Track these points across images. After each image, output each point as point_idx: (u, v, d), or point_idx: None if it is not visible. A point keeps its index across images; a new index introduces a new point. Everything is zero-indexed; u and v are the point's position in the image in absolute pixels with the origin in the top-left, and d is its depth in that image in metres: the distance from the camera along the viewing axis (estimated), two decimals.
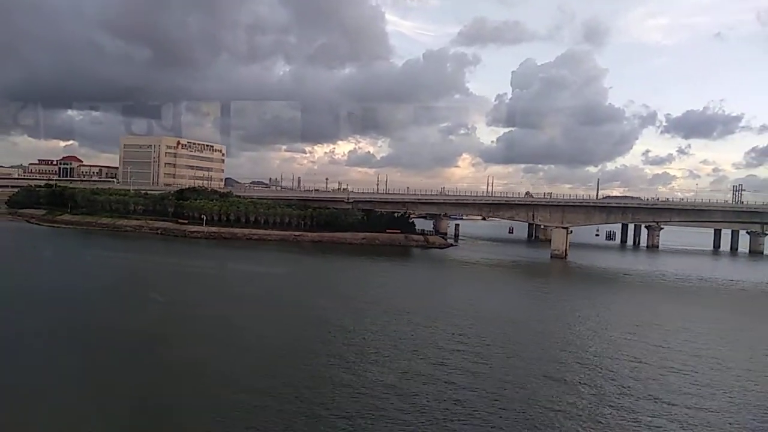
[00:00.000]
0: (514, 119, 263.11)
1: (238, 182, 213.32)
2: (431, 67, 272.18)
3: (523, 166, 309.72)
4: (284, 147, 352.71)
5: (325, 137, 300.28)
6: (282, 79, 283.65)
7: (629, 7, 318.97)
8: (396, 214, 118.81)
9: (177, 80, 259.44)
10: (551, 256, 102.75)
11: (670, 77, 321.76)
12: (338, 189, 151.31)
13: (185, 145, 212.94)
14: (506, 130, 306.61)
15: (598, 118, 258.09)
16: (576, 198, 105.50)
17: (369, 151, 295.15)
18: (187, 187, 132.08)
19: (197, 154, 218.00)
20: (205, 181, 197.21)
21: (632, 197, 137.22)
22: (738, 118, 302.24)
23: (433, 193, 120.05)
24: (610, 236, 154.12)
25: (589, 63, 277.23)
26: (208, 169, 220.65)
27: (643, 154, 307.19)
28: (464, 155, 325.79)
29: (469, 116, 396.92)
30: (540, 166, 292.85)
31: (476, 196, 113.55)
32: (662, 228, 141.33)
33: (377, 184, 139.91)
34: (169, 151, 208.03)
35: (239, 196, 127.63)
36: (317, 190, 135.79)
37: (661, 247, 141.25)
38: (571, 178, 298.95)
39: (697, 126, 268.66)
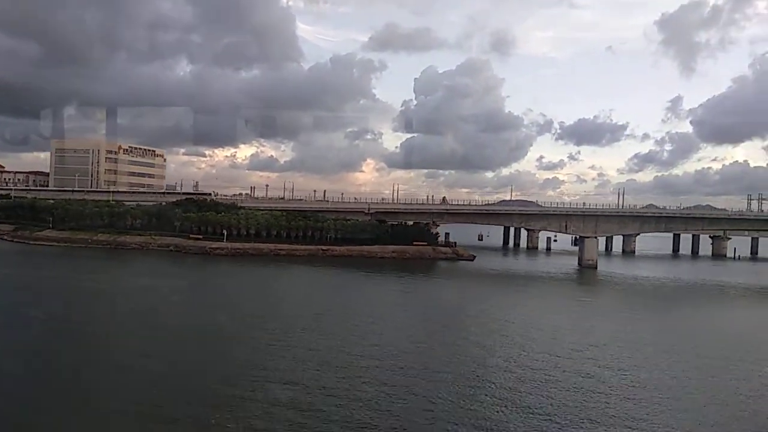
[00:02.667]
0: (417, 125, 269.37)
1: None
2: (338, 72, 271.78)
3: (425, 171, 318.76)
4: (183, 150, 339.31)
5: (226, 140, 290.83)
6: (183, 80, 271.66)
7: (525, 19, 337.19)
8: (411, 224, 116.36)
9: (68, 79, 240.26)
10: (582, 266, 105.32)
11: (566, 87, 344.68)
12: (322, 198, 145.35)
13: (126, 150, 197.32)
14: (410, 135, 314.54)
15: (497, 126, 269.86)
16: (609, 210, 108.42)
17: (272, 156, 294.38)
18: (185, 198, 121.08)
19: (139, 159, 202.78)
20: (147, 188, 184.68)
21: (526, 201, 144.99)
22: (624, 127, 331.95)
23: (460, 204, 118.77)
24: (480, 238, 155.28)
25: (487, 72, 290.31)
26: (150, 176, 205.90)
27: (538, 159, 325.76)
28: (369, 160, 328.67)
29: (375, 122, 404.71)
30: (441, 171, 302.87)
31: (507, 207, 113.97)
32: (540, 230, 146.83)
33: (322, 191, 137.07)
34: (109, 156, 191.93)
35: (243, 208, 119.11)
36: (333, 200, 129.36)
37: (637, 252, 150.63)
38: (469, 182, 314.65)
39: (587, 134, 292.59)
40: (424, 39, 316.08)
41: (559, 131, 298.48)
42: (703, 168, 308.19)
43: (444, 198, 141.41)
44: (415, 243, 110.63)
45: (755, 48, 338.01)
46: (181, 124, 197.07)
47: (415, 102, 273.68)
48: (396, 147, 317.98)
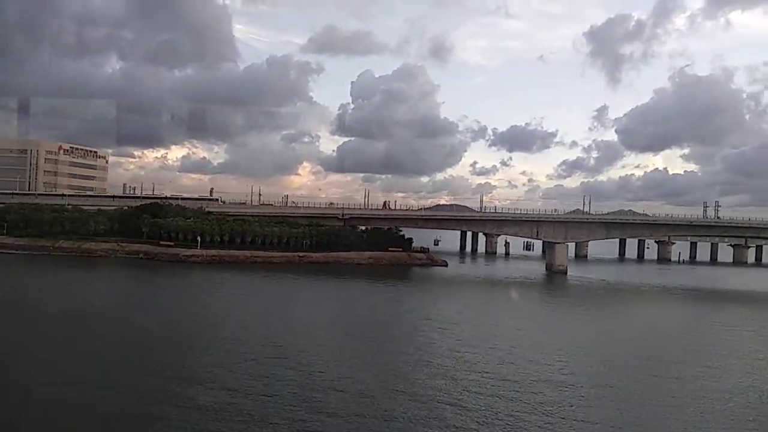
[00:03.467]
0: (354, 129, 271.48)
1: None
2: (274, 73, 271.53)
3: (361, 175, 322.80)
4: (110, 151, 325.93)
5: (157, 141, 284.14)
6: (113, 77, 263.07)
7: (461, 27, 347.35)
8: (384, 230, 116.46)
9: None
10: (552, 271, 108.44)
11: (500, 94, 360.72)
12: (284, 204, 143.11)
13: (67, 150, 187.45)
14: (347, 139, 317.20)
15: (433, 131, 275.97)
16: (580, 216, 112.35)
17: (204, 157, 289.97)
18: (149, 202, 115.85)
19: (80, 160, 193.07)
20: (89, 191, 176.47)
21: (460, 206, 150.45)
22: (553, 134, 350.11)
23: (429, 209, 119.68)
24: (435, 243, 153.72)
25: (423, 78, 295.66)
26: (92, 178, 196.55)
27: (471, 165, 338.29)
28: (305, 163, 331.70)
29: (312, 125, 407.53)
30: (377, 175, 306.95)
31: (482, 213, 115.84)
32: (499, 235, 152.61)
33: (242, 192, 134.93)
34: (49, 157, 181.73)
35: (211, 213, 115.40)
36: (306, 206, 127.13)
37: (589, 257, 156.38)
38: (405, 187, 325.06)
39: (519, 140, 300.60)
40: (364, 42, 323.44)
41: (492, 138, 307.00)
42: (627, 175, 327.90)
43: (385, 203, 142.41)
44: (390, 249, 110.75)
45: (674, 62, 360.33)
46: (108, 123, 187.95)
47: (352, 106, 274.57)
48: (333, 150, 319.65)
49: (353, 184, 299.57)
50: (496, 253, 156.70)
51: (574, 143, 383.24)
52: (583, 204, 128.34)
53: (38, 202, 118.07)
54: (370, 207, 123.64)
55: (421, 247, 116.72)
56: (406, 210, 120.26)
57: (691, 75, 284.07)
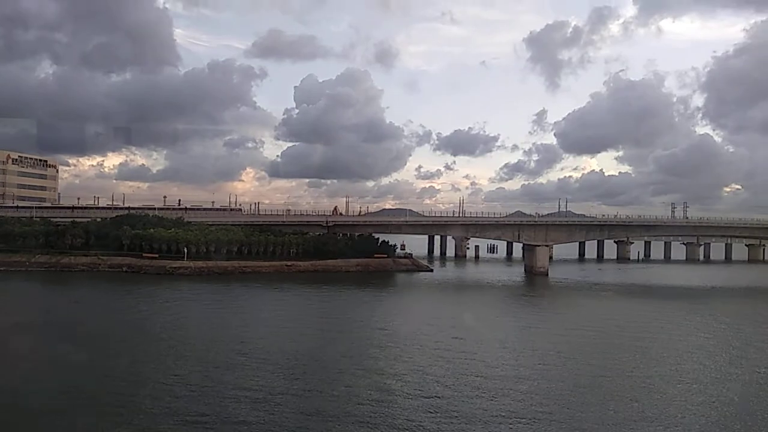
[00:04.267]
0: (299, 134, 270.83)
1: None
2: (216, 78, 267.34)
3: (307, 180, 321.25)
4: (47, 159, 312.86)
5: (92, 148, 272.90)
6: (45, 82, 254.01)
7: (406, 32, 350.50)
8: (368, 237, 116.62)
9: None
10: (533, 273, 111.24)
11: (445, 99, 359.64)
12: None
13: (16, 159, 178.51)
14: (291, 144, 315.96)
15: (379, 136, 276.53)
16: (559, 219, 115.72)
17: (143, 164, 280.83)
18: (125, 213, 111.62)
19: (30, 170, 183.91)
20: (39, 202, 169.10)
21: (403, 209, 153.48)
22: (495, 138, 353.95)
23: (419, 216, 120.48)
24: (402, 247, 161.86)
25: (367, 83, 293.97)
26: (42, 188, 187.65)
27: (416, 169, 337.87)
28: (248, 169, 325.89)
29: (256, 130, 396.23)
30: (323, 180, 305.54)
31: (465, 217, 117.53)
32: (469, 238, 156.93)
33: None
34: None
35: (190, 222, 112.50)
36: (288, 212, 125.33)
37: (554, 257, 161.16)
38: (350, 191, 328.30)
39: (463, 144, 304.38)
40: (309, 47, 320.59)
41: (437, 142, 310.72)
42: (565, 177, 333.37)
43: (336, 208, 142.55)
44: (376, 256, 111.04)
45: (610, 67, 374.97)
46: (40, 131, 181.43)
47: (297, 110, 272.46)
48: (277, 156, 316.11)
49: (298, 190, 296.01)
50: (466, 256, 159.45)
51: (515, 147, 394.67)
52: (565, 205, 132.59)
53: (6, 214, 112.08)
54: (352, 214, 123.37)
55: (405, 253, 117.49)
56: (390, 217, 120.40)
57: (625, 80, 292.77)
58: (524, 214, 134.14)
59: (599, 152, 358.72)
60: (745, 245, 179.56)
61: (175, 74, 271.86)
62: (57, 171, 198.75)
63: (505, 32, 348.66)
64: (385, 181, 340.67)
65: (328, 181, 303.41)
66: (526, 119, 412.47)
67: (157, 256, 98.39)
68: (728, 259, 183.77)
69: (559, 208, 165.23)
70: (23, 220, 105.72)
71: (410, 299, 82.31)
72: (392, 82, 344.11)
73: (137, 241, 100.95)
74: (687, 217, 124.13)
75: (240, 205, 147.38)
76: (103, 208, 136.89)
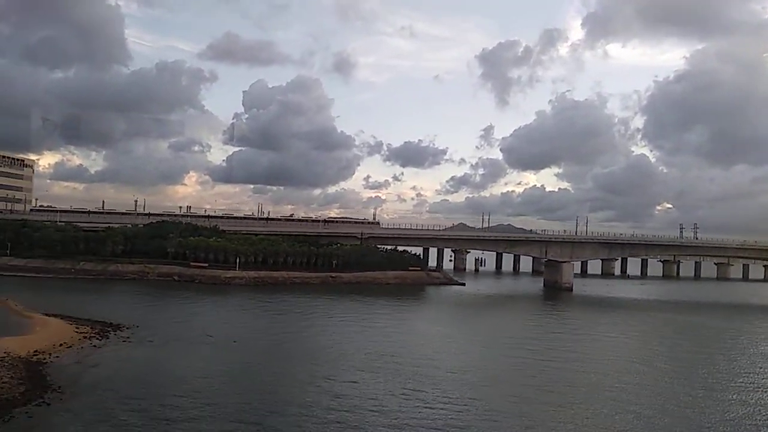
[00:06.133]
0: (247, 139, 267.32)
1: None
2: (163, 79, 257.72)
3: (252, 186, 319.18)
4: None
5: (27, 146, 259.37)
6: None
7: (365, 43, 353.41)
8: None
9: None
10: (558, 288, 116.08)
11: (399, 111, 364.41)
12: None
13: None
14: (238, 149, 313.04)
15: (329, 144, 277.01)
16: (585, 237, 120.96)
17: (81, 164, 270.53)
18: (161, 220, 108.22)
19: (5, 170, 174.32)
20: (15, 204, 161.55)
21: (349, 217, 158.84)
22: (444, 151, 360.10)
23: (453, 231, 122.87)
24: None
25: (317, 91, 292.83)
26: (18, 189, 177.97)
27: (365, 179, 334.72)
28: (192, 173, 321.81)
29: (203, 133, 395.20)
30: (269, 186, 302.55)
31: (496, 233, 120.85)
32: (468, 252, 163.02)
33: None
34: None
35: (225, 231, 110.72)
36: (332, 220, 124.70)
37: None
38: (296, 199, 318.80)
39: (412, 156, 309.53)
40: (266, 52, 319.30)
41: (387, 153, 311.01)
42: (508, 191, 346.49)
43: (291, 215, 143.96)
44: (410, 268, 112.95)
45: (557, 87, 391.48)
46: None
47: (246, 116, 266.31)
48: (223, 160, 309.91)
49: (242, 195, 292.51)
50: (465, 269, 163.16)
51: (462, 160, 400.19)
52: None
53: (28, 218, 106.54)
54: (389, 227, 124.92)
55: (435, 267, 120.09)
56: (425, 230, 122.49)
57: (569, 99, 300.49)
58: (467, 226, 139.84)
59: (543, 168, 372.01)
60: (714, 263, 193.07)
61: (121, 73, 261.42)
62: (33, 171, 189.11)
63: (454, 48, 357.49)
64: (332, 189, 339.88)
65: (274, 188, 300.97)
66: (474, 134, 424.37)
67: (206, 265, 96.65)
68: (697, 276, 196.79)
69: (481, 223, 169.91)
70: (57, 226, 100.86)
71: (516, 315, 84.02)
72: (348, 92, 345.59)
73: (181, 250, 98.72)
74: (696, 238, 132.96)
75: (249, 213, 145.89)
76: (153, 215, 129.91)
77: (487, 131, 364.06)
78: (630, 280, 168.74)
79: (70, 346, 43.22)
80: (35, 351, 40.54)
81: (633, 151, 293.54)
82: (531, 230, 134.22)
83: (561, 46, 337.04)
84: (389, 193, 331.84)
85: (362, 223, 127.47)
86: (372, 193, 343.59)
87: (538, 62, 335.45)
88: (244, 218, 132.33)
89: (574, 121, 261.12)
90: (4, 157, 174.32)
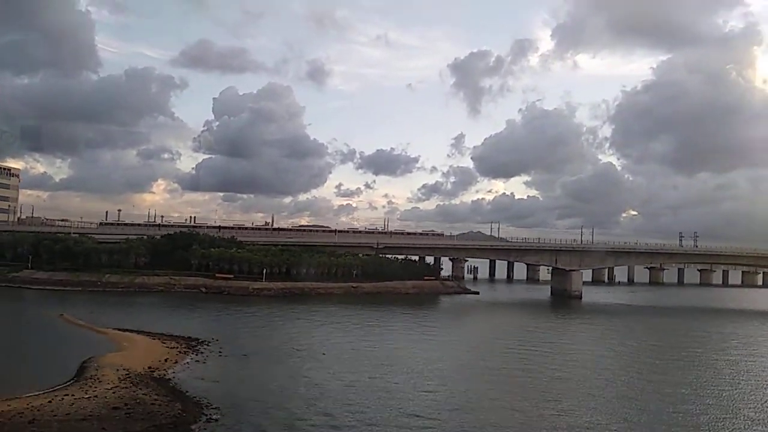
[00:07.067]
0: (218, 147, 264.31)
1: None
2: (133, 86, 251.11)
3: (221, 194, 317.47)
4: None
5: None
6: None
7: (338, 51, 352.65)
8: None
9: None
10: (567, 296, 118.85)
11: (372, 119, 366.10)
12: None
13: None
14: (208, 156, 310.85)
15: (301, 152, 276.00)
16: (594, 246, 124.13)
17: (45, 172, 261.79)
18: (179, 231, 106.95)
19: None
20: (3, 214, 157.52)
21: (321, 225, 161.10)
22: (416, 160, 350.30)
23: (465, 239, 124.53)
24: None
25: (288, 98, 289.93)
26: (4, 198, 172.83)
27: (337, 187, 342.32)
28: (160, 181, 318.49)
29: (173, 141, 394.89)
30: (239, 194, 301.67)
31: (507, 242, 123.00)
32: (467, 260, 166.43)
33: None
34: None
35: (242, 242, 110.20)
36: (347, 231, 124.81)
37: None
38: (266, 207, 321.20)
39: (384, 164, 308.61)
40: (239, 60, 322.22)
41: (359, 161, 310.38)
42: (479, 199, 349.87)
43: (267, 223, 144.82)
44: (425, 278, 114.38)
45: (527, 96, 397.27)
46: None
47: (217, 123, 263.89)
48: (192, 168, 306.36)
49: (211, 203, 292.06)
50: (463, 277, 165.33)
51: (434, 168, 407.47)
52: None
53: (43, 230, 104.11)
54: (404, 235, 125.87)
55: (448, 276, 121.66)
56: (438, 238, 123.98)
57: (539, 108, 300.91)
58: (437, 233, 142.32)
59: (512, 176, 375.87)
60: (698, 270, 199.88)
61: (90, 79, 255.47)
62: (19, 180, 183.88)
63: (426, 57, 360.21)
64: (302, 197, 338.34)
65: (244, 196, 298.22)
66: (446, 142, 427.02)
67: (232, 276, 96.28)
68: (681, 282, 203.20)
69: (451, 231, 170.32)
70: (76, 239, 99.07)
71: (558, 323, 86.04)
72: (321, 100, 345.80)
73: (204, 261, 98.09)
74: (696, 246, 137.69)
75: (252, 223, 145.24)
76: (169, 225, 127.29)
77: (459, 140, 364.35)
78: (620, 287, 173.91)
79: (176, 362, 43.23)
80: (149, 367, 40.52)
81: (600, 160, 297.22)
82: (504, 238, 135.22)
83: (531, 56, 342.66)
84: (360, 200, 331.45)
85: (374, 233, 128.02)
86: (344, 201, 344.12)
87: (509, 72, 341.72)
88: (256, 229, 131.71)
89: (544, 129, 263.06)
90: None
